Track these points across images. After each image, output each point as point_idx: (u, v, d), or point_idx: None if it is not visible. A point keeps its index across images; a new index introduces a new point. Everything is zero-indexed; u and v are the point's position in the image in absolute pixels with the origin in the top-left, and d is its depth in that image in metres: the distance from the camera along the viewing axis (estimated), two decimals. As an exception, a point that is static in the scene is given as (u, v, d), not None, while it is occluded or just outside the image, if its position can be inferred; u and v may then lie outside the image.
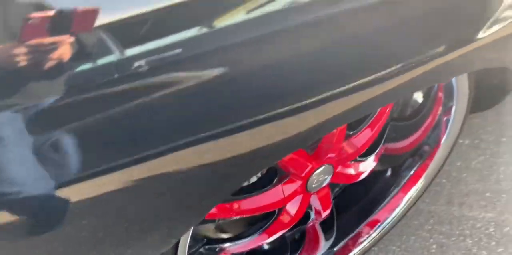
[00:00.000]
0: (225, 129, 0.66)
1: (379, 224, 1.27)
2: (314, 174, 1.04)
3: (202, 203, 0.75)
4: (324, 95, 0.71)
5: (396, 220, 1.28)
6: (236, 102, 0.66)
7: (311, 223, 1.24)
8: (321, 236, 1.27)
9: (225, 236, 1.17)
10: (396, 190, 1.27)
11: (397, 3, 0.74)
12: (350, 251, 1.25)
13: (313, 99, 0.70)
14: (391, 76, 0.77)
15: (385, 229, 1.27)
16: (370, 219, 1.27)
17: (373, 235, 1.27)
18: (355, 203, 1.29)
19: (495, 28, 0.86)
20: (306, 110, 0.71)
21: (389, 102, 1.01)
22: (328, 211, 1.18)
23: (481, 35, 0.85)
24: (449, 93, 1.15)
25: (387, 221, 1.27)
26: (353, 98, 0.75)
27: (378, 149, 1.19)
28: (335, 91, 0.72)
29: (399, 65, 0.77)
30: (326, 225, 1.28)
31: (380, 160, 1.22)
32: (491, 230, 1.41)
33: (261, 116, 0.67)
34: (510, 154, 1.59)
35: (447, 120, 1.20)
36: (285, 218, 1.11)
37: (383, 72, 0.75)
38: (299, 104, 0.69)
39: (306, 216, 1.20)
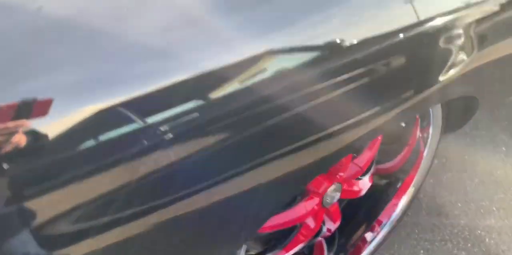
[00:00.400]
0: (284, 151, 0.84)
1: (383, 223, 1.49)
2: (328, 191, 1.25)
3: (259, 217, 0.87)
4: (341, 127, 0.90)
5: (397, 221, 1.50)
6: (289, 132, 0.81)
7: (319, 238, 1.43)
8: (325, 250, 1.46)
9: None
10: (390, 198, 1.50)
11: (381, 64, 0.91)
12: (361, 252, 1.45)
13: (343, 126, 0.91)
14: (384, 112, 0.95)
15: (390, 227, 1.49)
16: (375, 220, 1.49)
17: (381, 233, 1.48)
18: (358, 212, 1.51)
19: (452, 71, 1.09)
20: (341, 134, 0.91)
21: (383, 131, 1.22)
22: (338, 223, 1.38)
23: (441, 78, 1.05)
24: (425, 114, 1.39)
25: (389, 221, 1.49)
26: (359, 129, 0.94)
27: (372, 170, 1.42)
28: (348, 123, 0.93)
29: (388, 105, 0.95)
30: (328, 240, 1.47)
31: (374, 179, 1.45)
32: (466, 233, 1.65)
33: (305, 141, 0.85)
34: (472, 169, 1.86)
35: (426, 137, 1.44)
36: (305, 232, 1.29)
37: (380, 108, 0.95)
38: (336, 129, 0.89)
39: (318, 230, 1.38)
